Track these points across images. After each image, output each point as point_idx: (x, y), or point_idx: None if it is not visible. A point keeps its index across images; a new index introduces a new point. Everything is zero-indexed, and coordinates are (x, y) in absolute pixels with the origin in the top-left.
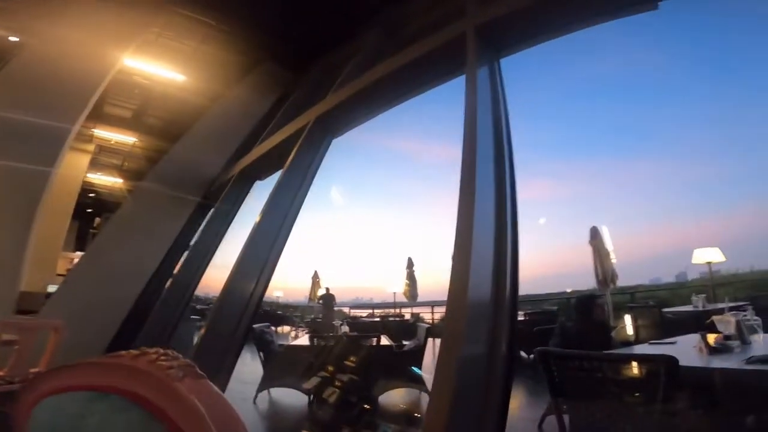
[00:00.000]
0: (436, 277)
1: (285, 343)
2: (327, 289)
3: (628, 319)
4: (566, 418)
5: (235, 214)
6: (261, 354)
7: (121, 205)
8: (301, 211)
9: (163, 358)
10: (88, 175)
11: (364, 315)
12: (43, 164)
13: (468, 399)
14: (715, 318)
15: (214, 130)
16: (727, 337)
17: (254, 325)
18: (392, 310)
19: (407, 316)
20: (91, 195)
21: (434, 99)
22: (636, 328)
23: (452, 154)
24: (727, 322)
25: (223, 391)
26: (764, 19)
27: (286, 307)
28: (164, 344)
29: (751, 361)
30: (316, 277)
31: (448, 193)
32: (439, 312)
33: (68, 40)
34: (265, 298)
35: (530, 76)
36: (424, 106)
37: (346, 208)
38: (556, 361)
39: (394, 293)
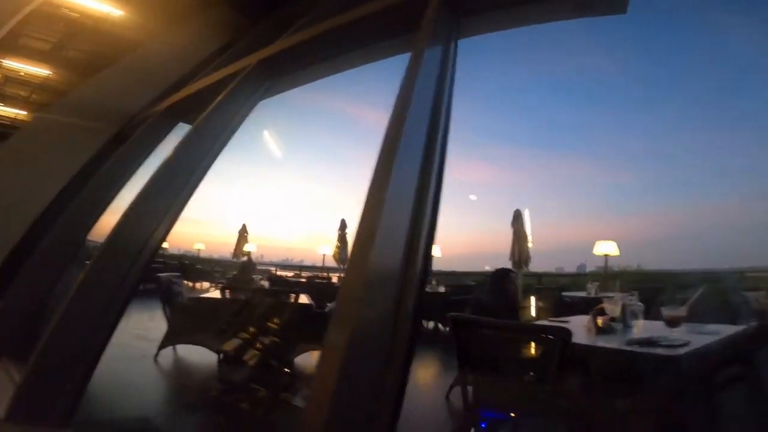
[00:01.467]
0: None
1: (195, 295)
2: (248, 255)
3: (533, 300)
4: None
5: (149, 154)
6: (166, 307)
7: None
8: (234, 160)
9: None
10: None
11: (290, 275)
12: None
13: (361, 369)
14: (605, 300)
15: (145, 66)
16: (612, 320)
17: (160, 275)
18: (320, 274)
19: (335, 280)
20: None
21: (387, 67)
22: (538, 307)
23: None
24: (614, 306)
25: (106, 340)
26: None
27: (208, 261)
28: (48, 290)
29: (629, 342)
30: (244, 232)
31: None
32: None
33: None
34: (183, 251)
35: (486, 63)
36: (377, 72)
37: (282, 166)
38: (465, 328)
39: (324, 255)
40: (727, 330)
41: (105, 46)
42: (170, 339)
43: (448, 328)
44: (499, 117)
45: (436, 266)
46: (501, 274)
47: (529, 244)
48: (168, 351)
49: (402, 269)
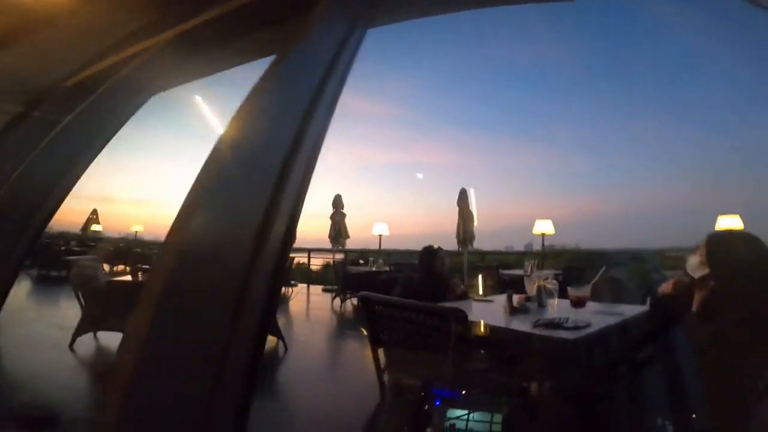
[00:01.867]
0: (310, 224)
1: (111, 278)
2: None
3: (463, 278)
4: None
5: (55, 129)
6: (78, 292)
7: None
8: (169, 140)
9: None
10: None
11: None
12: None
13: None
14: (525, 280)
15: (63, 39)
16: (528, 299)
17: (70, 258)
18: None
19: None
20: None
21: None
22: (475, 284)
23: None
24: (531, 285)
25: None
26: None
27: (150, 244)
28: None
29: (537, 324)
30: None
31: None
32: (317, 260)
33: None
34: (120, 233)
35: (439, 48)
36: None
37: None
38: (373, 306)
39: None
40: (634, 311)
41: (19, 18)
42: (87, 326)
43: None
44: (451, 101)
45: (384, 245)
46: (427, 253)
47: (475, 223)
48: (89, 339)
49: (254, 239)
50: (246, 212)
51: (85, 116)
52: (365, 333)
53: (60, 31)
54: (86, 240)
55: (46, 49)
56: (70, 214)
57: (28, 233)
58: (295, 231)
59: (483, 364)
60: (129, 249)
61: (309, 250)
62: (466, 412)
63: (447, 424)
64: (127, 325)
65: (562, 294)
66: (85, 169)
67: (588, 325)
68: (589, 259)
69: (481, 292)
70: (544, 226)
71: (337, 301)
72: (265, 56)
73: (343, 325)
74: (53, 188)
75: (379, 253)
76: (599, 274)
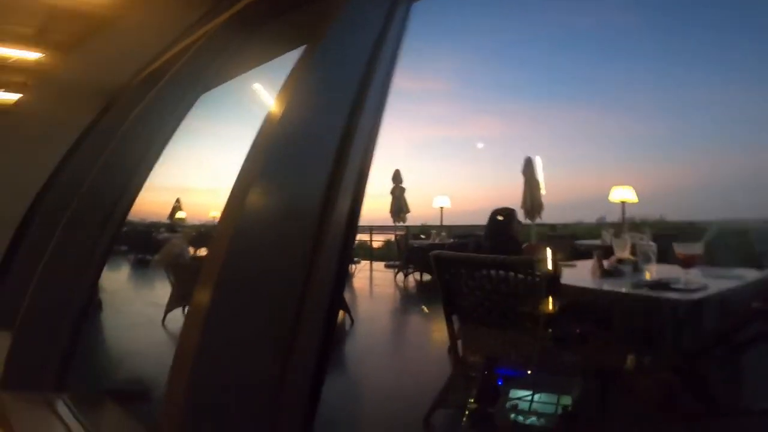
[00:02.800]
0: (369, 202)
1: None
2: None
3: (543, 250)
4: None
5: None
6: (168, 271)
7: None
8: (238, 127)
9: None
10: None
11: None
12: None
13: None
14: (614, 242)
15: (128, 39)
16: (620, 261)
17: (159, 236)
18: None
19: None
20: None
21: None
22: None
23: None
24: (623, 246)
25: (88, 303)
26: None
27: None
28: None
29: (637, 285)
30: None
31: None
32: (379, 237)
33: None
34: (201, 220)
35: (492, 17)
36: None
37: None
38: (448, 267)
39: None
40: (752, 275)
41: (87, 24)
42: (176, 302)
43: None
44: (507, 70)
45: (446, 220)
46: (497, 213)
47: (542, 192)
48: (176, 314)
49: (318, 220)
50: (308, 189)
51: (150, 110)
52: (426, 311)
53: (120, 31)
54: (174, 226)
55: (110, 49)
56: (158, 206)
57: (113, 222)
58: (360, 207)
59: (571, 329)
60: (209, 233)
61: (371, 228)
62: (530, 392)
63: (515, 402)
64: (191, 304)
65: (661, 259)
66: (156, 161)
67: (704, 287)
68: (681, 230)
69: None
70: (623, 194)
71: (400, 276)
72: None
73: (407, 299)
74: (131, 178)
75: (441, 227)
76: (712, 230)
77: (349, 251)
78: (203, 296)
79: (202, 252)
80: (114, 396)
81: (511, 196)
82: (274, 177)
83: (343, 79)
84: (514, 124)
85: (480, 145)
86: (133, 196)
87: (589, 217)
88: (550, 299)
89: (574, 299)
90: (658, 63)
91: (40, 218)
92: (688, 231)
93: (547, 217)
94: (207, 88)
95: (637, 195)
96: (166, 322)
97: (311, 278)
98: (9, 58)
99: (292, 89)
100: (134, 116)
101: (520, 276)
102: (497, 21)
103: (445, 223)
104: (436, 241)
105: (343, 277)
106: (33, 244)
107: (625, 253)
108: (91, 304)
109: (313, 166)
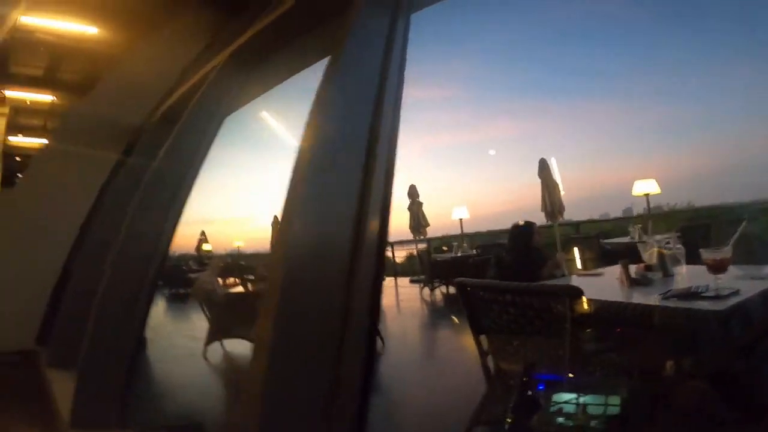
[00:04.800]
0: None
1: (228, 291)
2: None
3: (559, 252)
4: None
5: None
6: (203, 306)
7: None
8: (258, 157)
9: None
10: (10, 138)
11: None
12: None
13: (304, 352)
14: (639, 247)
15: (136, 78)
16: (648, 268)
17: (192, 275)
18: None
19: None
20: (17, 159)
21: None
22: (573, 258)
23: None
24: (649, 251)
25: (137, 343)
26: None
27: (250, 256)
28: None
29: (666, 296)
30: (276, 224)
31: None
32: (400, 252)
33: None
34: (229, 251)
35: (492, 18)
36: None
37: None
38: (472, 293)
39: None
40: None
41: (93, 65)
42: (214, 335)
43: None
44: (511, 70)
45: (466, 229)
46: (520, 230)
47: (561, 192)
48: (216, 347)
49: (352, 236)
50: (339, 214)
51: (177, 145)
52: (456, 321)
53: (129, 70)
54: (201, 258)
55: (122, 89)
56: (184, 238)
57: (156, 260)
58: (388, 225)
59: (598, 346)
60: (235, 263)
61: (392, 244)
62: (573, 396)
63: (554, 409)
64: (255, 336)
65: (690, 259)
66: (189, 193)
67: (735, 293)
68: (712, 216)
69: (580, 266)
70: (646, 187)
71: (426, 290)
72: (318, 59)
73: (436, 314)
74: (168, 214)
75: (461, 237)
76: (740, 229)
77: (383, 267)
78: (266, 327)
79: (230, 282)
80: (174, 430)
81: (530, 196)
82: (312, 202)
83: (363, 88)
84: (529, 123)
85: (492, 152)
86: (172, 232)
87: (615, 211)
88: (579, 319)
89: (604, 314)
90: (671, 51)
91: (81, 265)
92: (722, 217)
93: (570, 214)
94: (225, 116)
95: (661, 183)
96: (206, 355)
97: (350, 300)
98: (25, 101)
99: (317, 114)
100: (163, 152)
101: (545, 299)
102: (501, 22)
103: (465, 230)
104: (459, 254)
105: (379, 297)
106: (76, 289)
107: (653, 259)
108: (141, 341)
109: (343, 186)
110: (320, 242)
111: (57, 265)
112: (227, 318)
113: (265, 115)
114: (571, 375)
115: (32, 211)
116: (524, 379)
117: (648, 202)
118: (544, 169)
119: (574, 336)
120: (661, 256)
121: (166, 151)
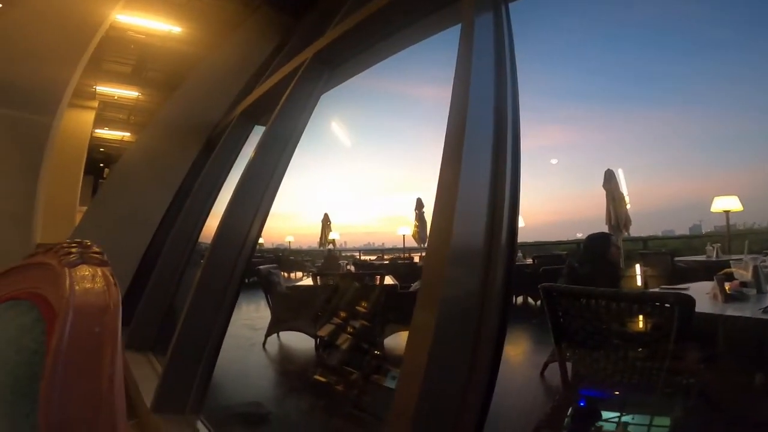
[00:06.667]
0: None
1: (291, 284)
2: (332, 243)
3: (638, 268)
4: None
5: (235, 158)
6: (268, 297)
7: (122, 156)
8: (308, 154)
9: (68, 247)
10: (96, 130)
11: (373, 259)
12: (42, 117)
13: (449, 354)
14: (732, 263)
15: (214, 77)
16: (743, 284)
17: (260, 267)
18: (402, 255)
19: (416, 260)
20: (101, 150)
21: (438, 42)
22: (645, 275)
23: None
24: (744, 268)
25: (223, 332)
26: None
27: (298, 252)
28: (173, 291)
29: (766, 310)
30: (327, 221)
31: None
32: None
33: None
34: (276, 244)
35: (547, 19)
36: (429, 50)
37: (354, 153)
38: (561, 299)
39: (404, 236)
40: None
41: (175, 63)
42: (274, 327)
43: (538, 302)
44: (572, 75)
45: (520, 238)
46: (598, 239)
47: (627, 205)
48: (273, 338)
49: (485, 244)
50: (474, 210)
51: (269, 143)
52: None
53: (208, 69)
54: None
55: (202, 87)
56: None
57: (242, 257)
58: (517, 222)
59: (703, 358)
60: (292, 257)
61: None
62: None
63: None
64: (413, 326)
65: None
66: (276, 191)
67: None
68: None
69: (647, 282)
70: (727, 203)
71: None
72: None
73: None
74: (257, 211)
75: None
76: None
77: (513, 267)
78: (426, 319)
79: (285, 276)
80: (242, 417)
81: (589, 207)
82: (465, 210)
83: (485, 81)
84: (582, 131)
85: (554, 161)
86: (259, 227)
87: (679, 227)
88: (681, 331)
89: (699, 326)
90: (746, 54)
91: (165, 251)
92: None
93: (632, 230)
94: (310, 115)
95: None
96: (266, 345)
97: (485, 299)
98: (113, 96)
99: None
100: (257, 150)
101: (649, 308)
102: (554, 23)
103: (520, 240)
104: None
105: (510, 297)
106: (160, 275)
107: (748, 276)
108: (224, 336)
109: (478, 180)
110: (466, 240)
111: (139, 253)
112: (286, 311)
113: (333, 124)
114: (663, 386)
115: (120, 201)
116: (594, 392)
117: (728, 220)
118: (610, 180)
119: (676, 346)
120: (756, 272)
121: (257, 151)
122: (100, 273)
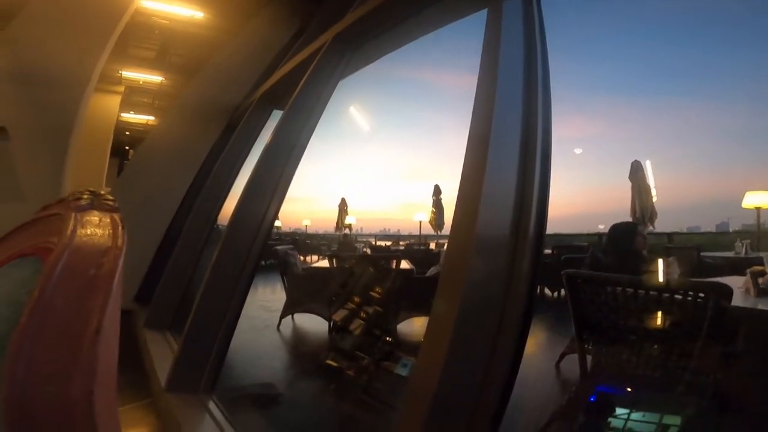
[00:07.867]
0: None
1: (307, 266)
2: (349, 227)
3: (661, 263)
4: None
5: (254, 141)
6: (284, 278)
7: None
8: (328, 139)
9: (80, 194)
10: (122, 114)
11: (389, 244)
12: (70, 101)
13: (470, 344)
14: (766, 259)
15: (235, 61)
16: None
17: (278, 247)
18: (419, 241)
19: (432, 247)
20: (127, 133)
21: (460, 29)
22: (672, 269)
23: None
24: None
25: (238, 314)
26: None
27: (314, 236)
28: (191, 272)
29: None
30: (344, 205)
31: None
32: None
33: None
34: (294, 228)
35: (579, 9)
36: (451, 36)
37: (373, 139)
38: (586, 286)
39: (420, 222)
40: None
41: (197, 48)
42: (289, 309)
43: (555, 294)
44: (600, 66)
45: None
46: (624, 228)
47: (653, 198)
48: (287, 319)
49: (512, 233)
50: (500, 198)
51: (288, 126)
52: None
53: (228, 53)
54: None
55: (223, 71)
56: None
57: (259, 240)
58: (546, 211)
59: (736, 352)
60: (306, 241)
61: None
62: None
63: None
64: (433, 313)
65: None
66: (294, 173)
67: None
68: None
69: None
70: (760, 199)
71: None
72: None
73: None
74: (274, 193)
75: None
76: None
77: (540, 260)
78: (449, 306)
79: (308, 259)
80: (253, 398)
81: (613, 199)
82: (491, 194)
83: (513, 74)
84: (607, 123)
85: (578, 151)
86: (276, 209)
87: (705, 223)
88: (715, 323)
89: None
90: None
91: (185, 232)
92: None
93: (656, 225)
94: (328, 99)
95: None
96: (280, 327)
97: (509, 294)
98: (138, 81)
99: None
100: (275, 133)
101: (682, 298)
102: (581, 15)
103: None
104: None
105: (535, 291)
106: (179, 255)
107: None
108: (239, 317)
109: (504, 171)
110: (491, 229)
111: (160, 233)
112: (301, 293)
113: (352, 109)
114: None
115: (142, 183)
116: (608, 380)
117: (758, 216)
118: (637, 172)
119: (708, 338)
120: None
121: (275, 134)
122: (108, 218)
